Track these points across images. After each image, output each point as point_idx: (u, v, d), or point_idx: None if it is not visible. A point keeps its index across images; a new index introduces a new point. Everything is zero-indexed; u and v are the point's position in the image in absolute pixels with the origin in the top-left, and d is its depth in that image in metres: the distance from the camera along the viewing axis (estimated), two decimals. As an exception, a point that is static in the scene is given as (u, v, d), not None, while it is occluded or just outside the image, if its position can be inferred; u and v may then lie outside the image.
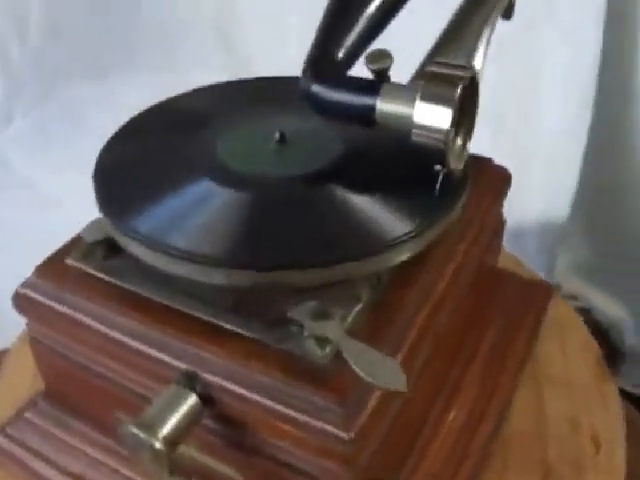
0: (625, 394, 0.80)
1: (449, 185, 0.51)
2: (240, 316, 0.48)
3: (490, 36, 0.60)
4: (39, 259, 0.56)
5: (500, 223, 0.67)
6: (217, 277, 0.47)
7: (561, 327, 0.76)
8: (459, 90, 0.47)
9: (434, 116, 0.47)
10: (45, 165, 1.23)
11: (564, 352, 0.74)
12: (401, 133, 0.49)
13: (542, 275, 0.93)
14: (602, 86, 0.90)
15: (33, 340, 0.58)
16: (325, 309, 0.46)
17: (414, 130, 0.48)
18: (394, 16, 0.57)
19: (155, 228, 0.49)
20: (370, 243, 0.47)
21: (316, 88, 0.52)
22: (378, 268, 0.48)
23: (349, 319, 0.47)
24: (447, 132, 0.47)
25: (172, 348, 0.49)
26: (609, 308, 1.06)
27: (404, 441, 0.55)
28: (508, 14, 0.62)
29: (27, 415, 0.63)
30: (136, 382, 0.52)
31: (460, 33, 0.55)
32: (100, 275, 0.53)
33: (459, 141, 0.51)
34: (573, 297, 1.06)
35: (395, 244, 0.48)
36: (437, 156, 0.48)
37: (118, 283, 0.52)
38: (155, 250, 0.48)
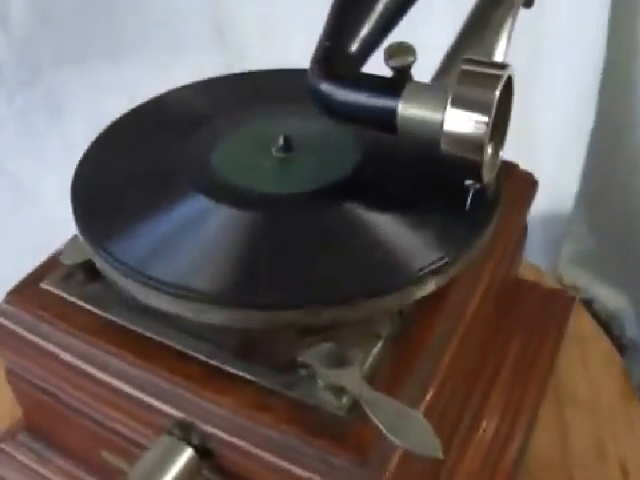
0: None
1: (480, 200, 0.44)
2: (243, 359, 0.41)
3: (512, 28, 0.54)
4: (18, 260, 0.51)
5: (524, 233, 0.60)
6: (213, 316, 0.40)
7: (581, 339, 0.71)
8: (498, 93, 0.39)
9: (468, 124, 0.40)
10: (28, 155, 1.16)
11: (586, 366, 0.69)
12: (427, 142, 0.42)
13: (545, 267, 0.92)
14: (606, 80, 0.87)
15: (8, 370, 0.51)
16: (341, 353, 0.39)
17: (443, 140, 0.40)
18: (413, 2, 0.49)
19: (141, 256, 0.42)
20: (393, 276, 0.41)
21: (326, 87, 0.45)
22: (402, 303, 0.41)
23: (367, 362, 0.41)
24: (483, 143, 0.39)
25: (164, 393, 0.42)
26: (611, 300, 1.02)
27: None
28: (530, 1, 0.55)
29: (4, 447, 0.57)
30: (124, 425, 0.45)
31: (485, 25, 0.48)
32: (80, 303, 0.47)
33: (490, 149, 0.44)
34: (575, 288, 1.00)
35: (422, 276, 0.41)
36: (470, 170, 0.41)
37: (101, 313, 0.45)
38: (141, 283, 0.41)
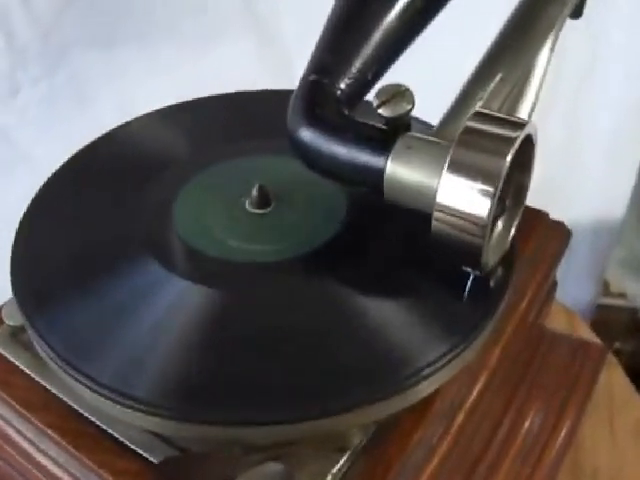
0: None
1: (486, 283, 0.36)
2: (169, 474, 0.33)
3: (554, 44, 0.46)
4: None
5: (552, 288, 0.51)
6: (144, 423, 0.33)
7: (610, 398, 0.62)
8: (508, 160, 0.31)
9: (467, 197, 0.32)
10: (50, 141, 1.11)
11: (613, 433, 0.60)
12: (417, 214, 0.34)
13: (592, 276, 0.91)
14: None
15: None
16: (289, 476, 0.31)
17: (435, 215, 0.32)
18: (421, 29, 0.41)
19: (73, 343, 0.36)
20: (370, 385, 0.33)
21: (306, 133, 0.37)
22: (378, 417, 0.33)
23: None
24: (485, 222, 0.31)
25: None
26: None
27: None
28: (579, 11, 0.49)
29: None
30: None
31: (521, 43, 0.40)
32: (23, 368, 0.40)
33: (500, 225, 0.35)
34: (622, 295, 0.98)
35: (405, 386, 0.33)
36: (466, 254, 0.33)
37: (44, 383, 0.39)
38: (71, 377, 0.35)
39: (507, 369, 0.47)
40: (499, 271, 0.36)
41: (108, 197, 0.43)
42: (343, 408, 0.33)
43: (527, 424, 0.52)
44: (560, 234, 0.49)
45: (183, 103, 0.50)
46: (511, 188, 0.36)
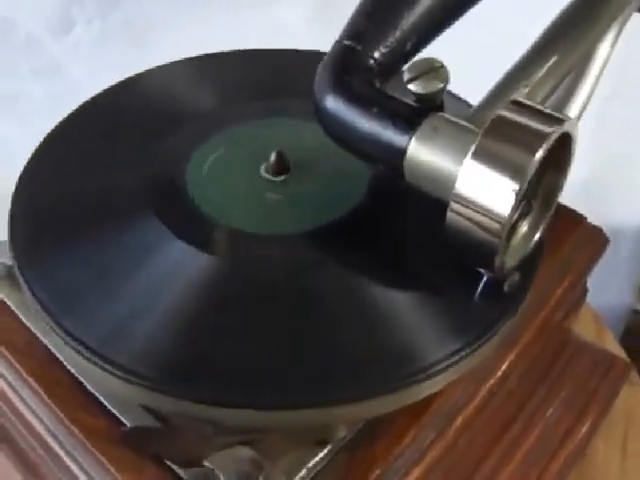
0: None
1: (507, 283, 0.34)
2: (136, 442, 0.31)
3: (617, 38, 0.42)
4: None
5: (582, 293, 0.48)
6: (117, 386, 0.31)
7: (628, 419, 0.58)
8: (538, 157, 0.28)
9: (489, 190, 0.29)
10: (101, 79, 1.10)
11: (625, 457, 0.56)
12: (435, 201, 0.31)
13: (629, 282, 0.90)
14: None
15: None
16: (258, 463, 0.29)
17: (452, 204, 0.29)
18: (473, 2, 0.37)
19: (58, 296, 0.34)
20: (360, 381, 0.31)
21: (331, 101, 0.34)
22: (364, 416, 0.31)
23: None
24: (503, 219, 0.28)
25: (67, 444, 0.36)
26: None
27: None
28: None
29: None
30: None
31: (580, 32, 0.36)
32: (16, 312, 0.39)
33: (525, 226, 0.32)
34: None
35: (398, 387, 0.31)
36: (480, 253, 0.30)
37: (29, 326, 0.38)
38: (59, 337, 0.33)
39: (524, 371, 0.44)
40: (516, 276, 0.33)
41: (119, 149, 0.41)
42: (325, 402, 0.30)
43: (538, 430, 0.50)
44: (597, 240, 0.46)
45: (211, 55, 0.47)
46: (541, 188, 0.33)
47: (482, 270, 0.33)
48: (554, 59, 0.37)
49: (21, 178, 0.39)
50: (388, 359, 0.32)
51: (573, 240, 0.44)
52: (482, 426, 0.40)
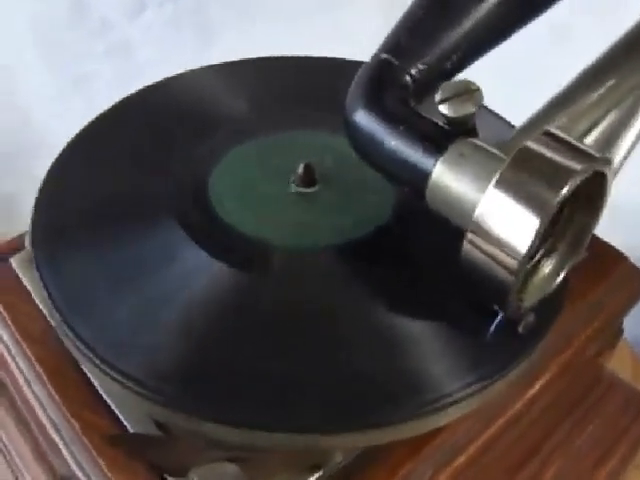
0: None
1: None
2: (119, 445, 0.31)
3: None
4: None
5: (617, 334, 0.46)
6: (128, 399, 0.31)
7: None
8: (563, 193, 0.26)
9: (508, 222, 0.27)
10: (167, 64, 1.12)
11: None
12: (457, 229, 0.30)
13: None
14: None
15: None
16: None
17: (469, 234, 0.28)
18: (521, 23, 0.36)
19: (70, 295, 0.34)
20: (360, 412, 0.30)
21: (361, 115, 0.33)
22: (362, 445, 0.30)
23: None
24: (521, 259, 0.27)
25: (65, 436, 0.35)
26: None
27: None
28: None
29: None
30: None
31: (610, 88, 0.34)
32: (36, 300, 0.39)
33: (549, 266, 0.31)
34: None
35: (399, 420, 0.30)
36: (493, 289, 0.28)
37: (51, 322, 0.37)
38: (71, 342, 0.34)
39: (544, 407, 0.43)
40: (531, 317, 0.32)
41: (147, 153, 0.41)
42: (319, 429, 0.29)
43: (556, 466, 0.48)
44: (636, 282, 0.43)
45: (249, 60, 0.47)
46: (570, 228, 0.32)
47: (494, 307, 0.31)
48: (599, 92, 0.36)
49: (49, 172, 0.39)
50: (391, 390, 0.31)
51: (609, 283, 0.42)
52: (491, 463, 0.38)
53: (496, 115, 0.44)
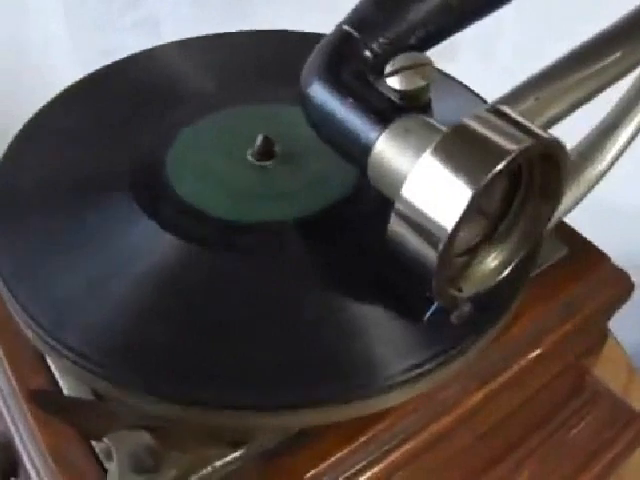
0: None
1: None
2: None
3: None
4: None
5: (599, 338, 0.45)
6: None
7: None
8: (499, 168, 0.25)
9: (438, 195, 0.26)
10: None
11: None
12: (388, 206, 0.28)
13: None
14: None
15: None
16: (156, 455, 0.27)
17: (395, 208, 0.27)
18: (492, 5, 0.34)
19: (20, 267, 0.34)
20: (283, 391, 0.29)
21: (315, 88, 0.32)
22: (281, 425, 0.29)
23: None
24: (445, 236, 0.25)
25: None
26: None
27: None
28: None
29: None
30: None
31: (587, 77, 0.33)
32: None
33: (495, 257, 0.29)
34: None
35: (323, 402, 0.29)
36: (418, 268, 0.27)
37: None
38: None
39: (509, 411, 0.41)
40: (467, 307, 0.30)
41: (109, 125, 0.40)
42: (236, 406, 0.28)
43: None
44: (619, 284, 0.41)
45: (214, 35, 0.46)
46: (522, 219, 0.30)
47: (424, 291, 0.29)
48: (574, 78, 0.34)
49: (11, 144, 0.39)
50: (317, 370, 0.29)
51: (586, 283, 0.39)
52: (440, 464, 0.37)
53: (472, 92, 0.42)
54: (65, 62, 0.95)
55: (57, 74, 0.94)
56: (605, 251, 0.41)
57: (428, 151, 0.27)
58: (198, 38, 0.46)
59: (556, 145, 0.28)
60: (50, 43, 0.90)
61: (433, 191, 0.26)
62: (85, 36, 0.91)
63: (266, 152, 0.36)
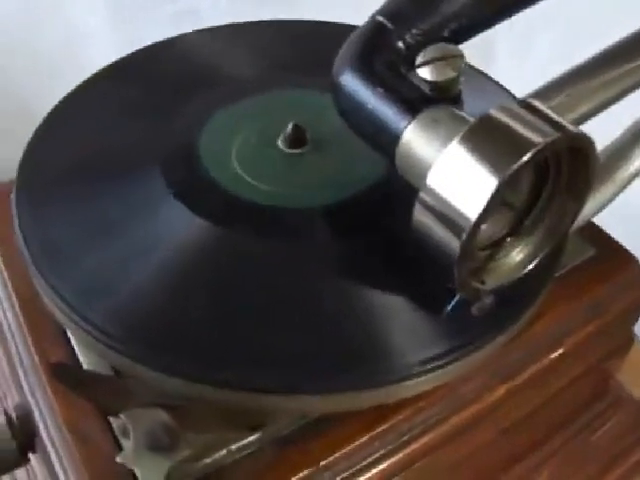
0: None
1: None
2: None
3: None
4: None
5: (626, 342, 0.44)
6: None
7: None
8: (525, 159, 0.25)
9: (463, 184, 0.26)
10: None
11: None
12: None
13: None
14: None
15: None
16: (172, 432, 0.27)
17: (421, 195, 0.27)
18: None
19: (49, 247, 0.34)
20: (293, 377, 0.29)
21: (347, 77, 0.32)
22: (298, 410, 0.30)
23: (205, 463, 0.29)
24: (472, 224, 0.25)
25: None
26: None
27: None
28: None
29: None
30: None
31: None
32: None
33: (520, 251, 0.29)
34: None
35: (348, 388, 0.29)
36: (441, 257, 0.27)
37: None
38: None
39: (532, 410, 0.41)
40: (489, 299, 0.30)
41: (142, 108, 0.40)
42: (252, 388, 0.28)
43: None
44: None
45: (248, 23, 0.46)
46: (548, 213, 0.30)
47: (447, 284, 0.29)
48: (606, 76, 0.34)
49: (42, 124, 0.40)
50: (339, 356, 0.30)
51: (612, 285, 0.39)
52: (456, 459, 0.36)
53: (501, 87, 0.42)
54: (105, 54, 0.95)
55: (96, 66, 0.95)
56: (634, 253, 0.41)
57: (455, 140, 0.27)
58: (234, 25, 0.46)
59: (584, 139, 0.28)
60: (90, 35, 0.91)
61: (458, 180, 0.26)
62: (124, 28, 0.91)
63: (296, 139, 0.37)
